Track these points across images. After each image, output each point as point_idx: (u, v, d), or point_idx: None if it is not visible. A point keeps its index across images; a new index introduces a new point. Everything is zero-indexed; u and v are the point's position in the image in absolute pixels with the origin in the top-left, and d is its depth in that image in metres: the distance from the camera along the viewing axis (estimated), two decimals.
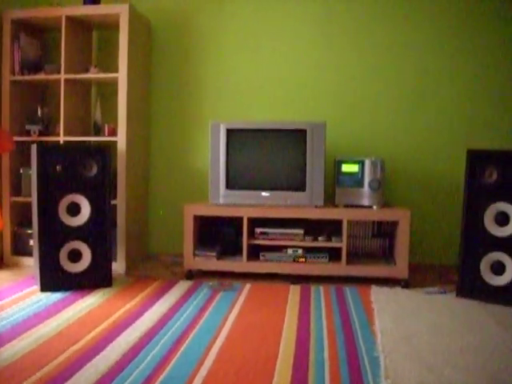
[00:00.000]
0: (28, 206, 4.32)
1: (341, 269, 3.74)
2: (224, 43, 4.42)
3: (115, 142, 4.07)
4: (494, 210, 3.28)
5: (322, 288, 3.61)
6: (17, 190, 4.22)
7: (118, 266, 4.02)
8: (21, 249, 4.22)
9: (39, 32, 4.44)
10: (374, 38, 4.27)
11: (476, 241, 3.35)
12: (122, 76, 3.96)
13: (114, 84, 4.30)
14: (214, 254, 3.85)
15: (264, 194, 3.83)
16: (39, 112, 4.24)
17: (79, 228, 3.47)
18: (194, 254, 3.87)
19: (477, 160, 3.34)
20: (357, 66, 4.30)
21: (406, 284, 3.68)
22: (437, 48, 4.21)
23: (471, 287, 3.38)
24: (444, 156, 4.26)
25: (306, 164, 3.78)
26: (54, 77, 4.07)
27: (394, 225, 3.97)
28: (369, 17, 4.26)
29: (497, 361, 2.37)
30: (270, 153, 3.84)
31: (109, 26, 4.35)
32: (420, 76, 4.25)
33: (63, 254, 3.43)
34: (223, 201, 3.86)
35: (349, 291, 3.54)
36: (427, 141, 4.27)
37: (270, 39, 4.37)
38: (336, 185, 3.85)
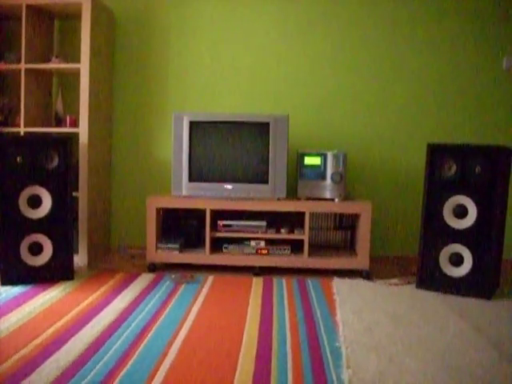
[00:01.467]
0: None
1: (303, 261, 3.78)
2: (188, 35, 4.40)
3: (77, 134, 4.01)
4: (453, 202, 3.35)
5: (284, 280, 3.64)
6: None
7: (80, 259, 3.98)
8: None
9: None
10: (337, 33, 4.30)
11: (435, 233, 3.42)
12: (83, 66, 3.91)
13: (75, 74, 4.24)
14: (176, 246, 3.84)
15: (227, 186, 3.83)
16: None
17: (40, 220, 3.42)
18: (157, 247, 3.86)
19: (436, 153, 3.40)
20: (320, 60, 4.32)
21: (367, 275, 3.74)
22: (399, 44, 4.27)
23: (430, 278, 3.45)
24: (405, 149, 4.33)
25: (268, 157, 3.80)
26: (14, 66, 3.99)
27: (355, 217, 4.02)
28: (332, 11, 4.29)
29: (455, 350, 2.43)
30: (233, 145, 3.84)
31: (71, 16, 4.28)
32: (382, 71, 4.30)
33: (24, 247, 3.38)
34: (186, 193, 3.85)
35: (311, 283, 3.58)
36: (389, 134, 4.32)
37: (234, 31, 4.37)
38: (298, 177, 3.88)
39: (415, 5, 4.22)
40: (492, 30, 4.19)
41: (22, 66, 3.95)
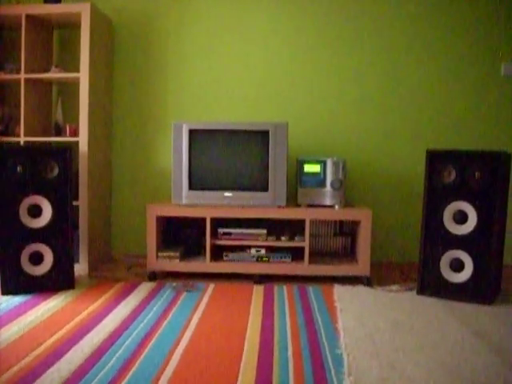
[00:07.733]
0: None
1: (304, 268, 3.78)
2: (186, 44, 4.41)
3: (77, 143, 4.02)
4: (453, 208, 3.35)
5: (285, 287, 3.64)
6: None
7: (81, 268, 3.97)
8: None
9: None
10: (335, 39, 4.31)
11: (436, 239, 3.42)
12: (83, 76, 3.92)
13: (75, 84, 4.25)
14: (177, 254, 3.84)
15: (227, 194, 3.84)
16: None
17: (40, 230, 3.42)
18: (157, 255, 3.85)
19: (436, 160, 3.40)
20: (318, 66, 4.34)
21: (368, 282, 3.74)
22: (398, 50, 4.28)
23: (431, 285, 3.45)
24: (405, 156, 4.33)
25: (268, 164, 3.80)
26: (14, 76, 4.00)
27: (356, 224, 4.02)
28: (330, 16, 4.30)
29: (456, 357, 2.42)
30: (232, 153, 3.84)
31: (70, 25, 4.29)
32: (381, 77, 4.31)
33: (24, 257, 3.38)
34: (186, 201, 3.85)
35: (312, 290, 3.58)
36: (388, 141, 4.33)
37: (232, 40, 4.38)
38: (298, 185, 3.88)
39: (415, 13, 4.24)
40: (491, 37, 4.20)
41: (22, 75, 3.97)
